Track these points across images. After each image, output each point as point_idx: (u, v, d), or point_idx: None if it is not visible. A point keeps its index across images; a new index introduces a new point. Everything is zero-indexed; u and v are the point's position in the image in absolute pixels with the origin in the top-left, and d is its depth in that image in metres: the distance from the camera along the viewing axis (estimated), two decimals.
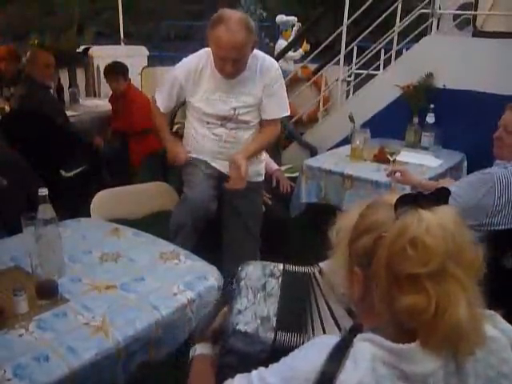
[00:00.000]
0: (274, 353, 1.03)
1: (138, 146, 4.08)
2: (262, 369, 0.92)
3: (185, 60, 2.38)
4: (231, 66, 2.15)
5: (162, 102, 2.46)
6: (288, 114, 2.46)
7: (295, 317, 1.18)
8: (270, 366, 0.92)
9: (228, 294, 1.25)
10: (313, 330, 1.16)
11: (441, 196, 0.84)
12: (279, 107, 2.39)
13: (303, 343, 1.11)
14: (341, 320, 1.16)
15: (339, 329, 1.15)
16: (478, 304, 0.81)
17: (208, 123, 2.38)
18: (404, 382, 0.79)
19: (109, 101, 4.38)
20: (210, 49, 2.23)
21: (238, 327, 1.12)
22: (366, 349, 0.82)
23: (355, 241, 0.89)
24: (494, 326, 0.88)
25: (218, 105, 2.33)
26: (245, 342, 1.12)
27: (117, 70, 4.14)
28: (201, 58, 2.32)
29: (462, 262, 0.79)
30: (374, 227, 0.85)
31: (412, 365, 0.79)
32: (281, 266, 1.28)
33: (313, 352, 0.87)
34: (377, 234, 0.84)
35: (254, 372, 0.93)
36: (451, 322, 0.77)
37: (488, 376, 0.84)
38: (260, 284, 1.23)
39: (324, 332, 1.16)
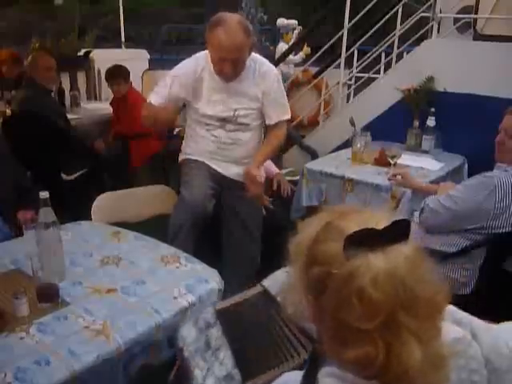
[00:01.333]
0: None
1: (139, 149, 4.08)
2: None
3: (185, 62, 2.39)
4: (230, 67, 2.18)
5: (157, 98, 2.35)
6: (289, 116, 2.49)
7: (255, 357, 1.11)
8: None
9: (180, 374, 1.16)
10: (285, 357, 1.10)
11: (398, 232, 0.76)
12: (281, 110, 2.43)
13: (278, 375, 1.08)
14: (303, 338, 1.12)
15: (303, 347, 1.10)
16: (436, 341, 0.76)
17: (207, 124, 2.40)
18: None
19: (110, 104, 4.39)
20: (208, 52, 2.24)
21: None
22: None
23: (308, 268, 0.81)
24: (453, 321, 0.87)
25: (219, 106, 2.34)
26: None
27: (118, 74, 4.14)
28: (200, 60, 2.34)
29: (414, 308, 0.74)
30: (325, 261, 0.78)
31: None
32: (210, 312, 1.21)
33: None
34: (326, 268, 0.77)
35: None
36: (402, 370, 0.73)
37: (460, 378, 0.83)
38: (202, 343, 1.15)
39: (295, 350, 1.11)
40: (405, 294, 0.73)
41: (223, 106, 2.34)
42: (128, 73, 4.18)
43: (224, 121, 2.37)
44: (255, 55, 2.34)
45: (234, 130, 2.40)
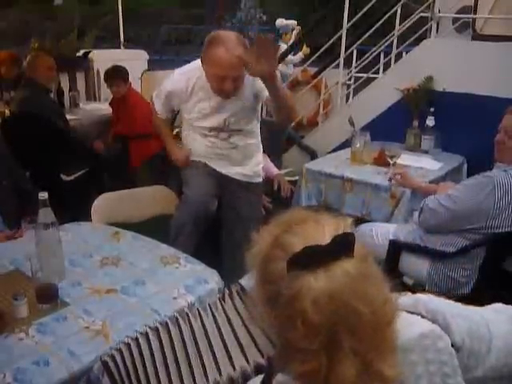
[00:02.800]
0: None
1: (139, 150, 4.08)
2: None
3: (176, 74, 2.40)
4: (231, 84, 2.18)
5: (160, 108, 2.53)
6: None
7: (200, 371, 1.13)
8: None
9: None
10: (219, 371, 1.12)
11: (341, 247, 0.76)
12: None
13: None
14: (263, 347, 1.14)
15: (262, 355, 1.12)
16: (384, 358, 0.77)
17: (201, 133, 2.42)
18: None
19: (109, 104, 4.38)
20: (199, 64, 2.24)
21: None
22: None
23: (263, 283, 0.83)
24: (426, 311, 0.87)
25: (210, 119, 2.36)
26: None
27: (117, 74, 4.14)
28: (193, 73, 2.33)
29: (356, 326, 0.74)
30: (274, 280, 0.79)
31: None
32: (151, 333, 1.20)
33: None
34: (277, 288, 0.78)
35: None
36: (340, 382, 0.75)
37: (429, 371, 0.83)
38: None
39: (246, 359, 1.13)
40: (346, 313, 0.74)
41: (214, 117, 2.36)
42: (127, 73, 4.17)
43: (216, 130, 2.39)
44: None
45: (228, 137, 2.41)
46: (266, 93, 2.21)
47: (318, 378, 0.74)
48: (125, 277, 1.66)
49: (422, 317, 0.88)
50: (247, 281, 1.21)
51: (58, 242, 1.60)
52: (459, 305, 0.94)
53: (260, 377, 0.88)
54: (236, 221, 2.56)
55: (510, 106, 2.15)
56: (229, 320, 1.21)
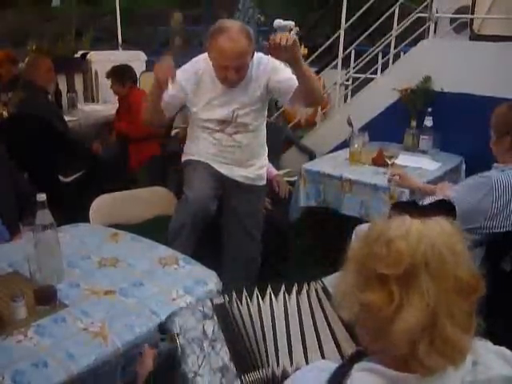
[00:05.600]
0: None
1: (138, 151, 4.08)
2: None
3: (184, 66, 2.39)
4: (234, 74, 2.18)
5: (164, 106, 2.36)
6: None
7: (250, 354, 1.12)
8: None
9: (168, 354, 1.15)
10: (277, 359, 1.11)
11: (441, 210, 0.83)
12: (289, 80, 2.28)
13: (272, 375, 1.08)
14: (343, 344, 1.12)
15: (340, 353, 1.11)
16: (460, 326, 0.77)
17: (207, 128, 2.39)
18: None
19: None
20: (207, 56, 2.24)
21: None
22: (362, 380, 0.80)
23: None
24: (506, 362, 0.85)
25: (218, 109, 2.34)
26: None
27: (113, 74, 4.14)
28: (200, 64, 2.34)
29: (438, 276, 0.77)
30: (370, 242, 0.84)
31: None
32: (209, 303, 1.21)
33: (310, 380, 0.86)
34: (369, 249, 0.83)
35: None
36: (401, 330, 0.76)
37: None
38: (199, 332, 1.14)
39: (322, 355, 1.11)
40: (433, 256, 0.77)
41: (222, 108, 2.34)
42: (124, 74, 4.13)
43: (223, 123, 2.36)
44: None
45: (234, 133, 2.39)
46: (290, 82, 2.22)
47: (386, 311, 0.76)
48: (123, 278, 1.66)
49: None
50: (329, 280, 1.20)
51: (57, 243, 1.60)
52: None
53: (332, 364, 0.88)
54: (236, 221, 2.56)
55: (496, 109, 2.16)
56: (312, 313, 1.19)
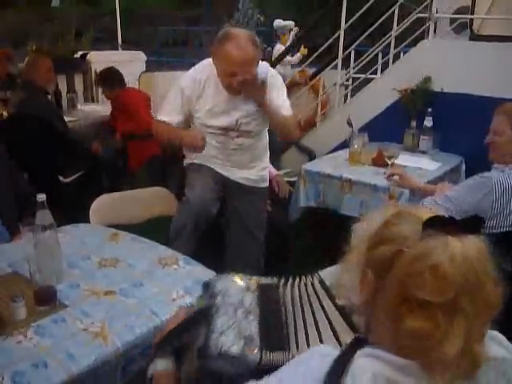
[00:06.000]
0: (259, 373, 0.99)
1: (138, 151, 4.07)
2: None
3: (189, 72, 2.39)
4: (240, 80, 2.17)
5: (171, 117, 2.38)
6: (290, 113, 2.40)
7: (277, 334, 1.14)
8: (267, 377, 0.90)
9: (205, 310, 1.17)
10: (297, 345, 1.12)
11: (473, 225, 0.81)
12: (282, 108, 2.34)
13: (291, 359, 1.07)
14: (341, 334, 1.12)
15: (339, 342, 1.11)
16: (478, 340, 0.79)
17: (210, 132, 2.39)
18: None
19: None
20: (211, 61, 2.25)
21: (223, 350, 1.07)
22: (366, 365, 0.80)
23: (374, 247, 0.86)
24: (499, 345, 0.87)
25: (221, 117, 2.35)
26: (230, 363, 1.08)
27: (103, 79, 4.15)
28: (204, 71, 2.33)
29: (477, 299, 0.77)
30: (397, 239, 0.82)
31: (415, 381, 0.77)
32: (254, 281, 1.23)
33: (313, 367, 0.85)
34: (398, 246, 0.81)
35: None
36: (441, 353, 0.76)
37: None
38: (238, 299, 1.17)
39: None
40: (474, 282, 0.77)
41: (226, 116, 2.34)
42: (109, 78, 4.13)
43: (226, 129, 2.37)
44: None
45: (237, 137, 2.39)
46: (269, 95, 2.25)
47: (430, 340, 0.76)
48: (123, 278, 1.66)
49: None
50: (326, 273, 1.22)
51: (57, 243, 1.60)
52: None
53: (335, 350, 0.87)
54: (239, 223, 2.57)
55: (497, 108, 2.16)
56: (310, 301, 1.21)
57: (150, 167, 4.08)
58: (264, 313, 1.17)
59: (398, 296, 0.79)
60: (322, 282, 1.21)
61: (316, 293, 1.21)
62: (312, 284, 1.22)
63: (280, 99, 2.34)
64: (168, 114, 2.39)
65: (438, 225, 0.79)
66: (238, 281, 1.22)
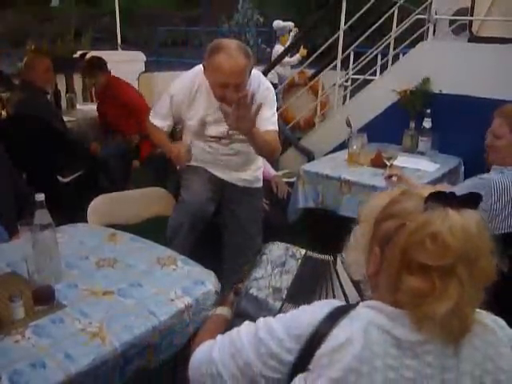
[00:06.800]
0: None
1: (146, 143, 4.06)
2: (268, 317, 1.00)
3: (180, 79, 2.38)
4: (233, 91, 2.12)
5: (163, 121, 2.43)
6: (275, 128, 2.32)
7: (305, 294, 1.26)
8: (278, 315, 1.00)
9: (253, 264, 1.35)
10: None
11: (471, 200, 0.87)
12: (264, 123, 2.26)
13: None
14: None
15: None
16: (470, 305, 0.86)
17: (203, 139, 2.39)
18: (396, 349, 0.85)
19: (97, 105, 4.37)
20: (202, 68, 2.22)
21: (250, 291, 1.25)
22: (365, 312, 0.89)
23: (380, 222, 0.94)
24: (494, 322, 0.93)
25: (213, 126, 2.34)
26: (254, 306, 1.23)
27: (86, 68, 4.15)
28: (196, 78, 2.31)
29: (473, 268, 0.84)
30: (400, 214, 0.90)
31: (406, 331, 0.85)
32: (303, 251, 1.39)
33: (317, 308, 0.95)
34: (401, 221, 0.88)
35: (261, 318, 1.01)
36: (431, 312, 0.83)
37: (485, 367, 0.88)
38: (280, 261, 1.34)
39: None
40: (471, 252, 0.83)
41: (217, 126, 2.32)
42: (103, 63, 4.16)
43: (219, 138, 2.37)
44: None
45: (230, 143, 2.39)
46: (260, 122, 2.16)
47: (428, 297, 0.83)
48: (122, 278, 1.66)
49: None
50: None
51: (55, 243, 1.59)
52: None
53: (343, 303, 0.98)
54: (236, 225, 2.56)
55: (496, 110, 2.16)
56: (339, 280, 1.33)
57: (149, 167, 4.08)
58: (301, 276, 1.31)
59: (400, 261, 0.87)
60: (342, 261, 1.34)
61: (337, 271, 1.33)
62: (334, 262, 1.35)
63: (269, 112, 2.29)
64: (158, 117, 2.44)
65: (439, 199, 0.85)
66: (286, 247, 1.39)
